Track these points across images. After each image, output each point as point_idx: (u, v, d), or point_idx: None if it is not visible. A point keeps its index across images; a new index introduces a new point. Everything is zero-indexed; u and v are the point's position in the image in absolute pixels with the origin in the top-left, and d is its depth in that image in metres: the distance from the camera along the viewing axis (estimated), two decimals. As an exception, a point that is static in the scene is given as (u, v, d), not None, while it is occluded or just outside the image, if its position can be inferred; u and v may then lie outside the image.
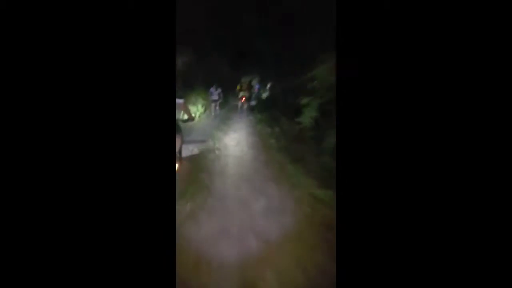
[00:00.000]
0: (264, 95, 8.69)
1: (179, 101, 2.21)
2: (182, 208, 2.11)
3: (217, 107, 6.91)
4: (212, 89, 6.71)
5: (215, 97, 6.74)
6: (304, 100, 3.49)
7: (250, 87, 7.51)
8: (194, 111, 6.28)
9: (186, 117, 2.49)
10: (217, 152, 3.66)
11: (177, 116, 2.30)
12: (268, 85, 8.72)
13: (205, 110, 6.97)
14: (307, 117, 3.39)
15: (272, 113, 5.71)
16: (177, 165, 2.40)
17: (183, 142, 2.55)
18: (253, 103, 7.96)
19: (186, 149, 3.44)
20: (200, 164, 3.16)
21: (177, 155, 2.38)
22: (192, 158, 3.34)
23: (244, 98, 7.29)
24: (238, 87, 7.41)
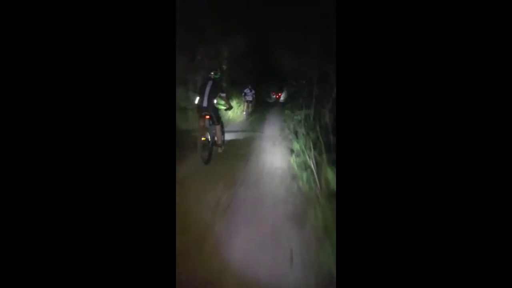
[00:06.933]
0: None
1: (221, 94, 3.09)
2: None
3: (249, 107, 7.87)
4: (246, 90, 7.61)
5: (249, 98, 7.67)
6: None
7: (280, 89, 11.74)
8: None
9: (225, 106, 3.36)
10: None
11: (219, 106, 3.16)
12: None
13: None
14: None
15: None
16: (219, 149, 3.30)
17: (223, 131, 3.41)
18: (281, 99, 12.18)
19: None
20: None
21: (219, 141, 3.20)
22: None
23: (279, 95, 13.50)
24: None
